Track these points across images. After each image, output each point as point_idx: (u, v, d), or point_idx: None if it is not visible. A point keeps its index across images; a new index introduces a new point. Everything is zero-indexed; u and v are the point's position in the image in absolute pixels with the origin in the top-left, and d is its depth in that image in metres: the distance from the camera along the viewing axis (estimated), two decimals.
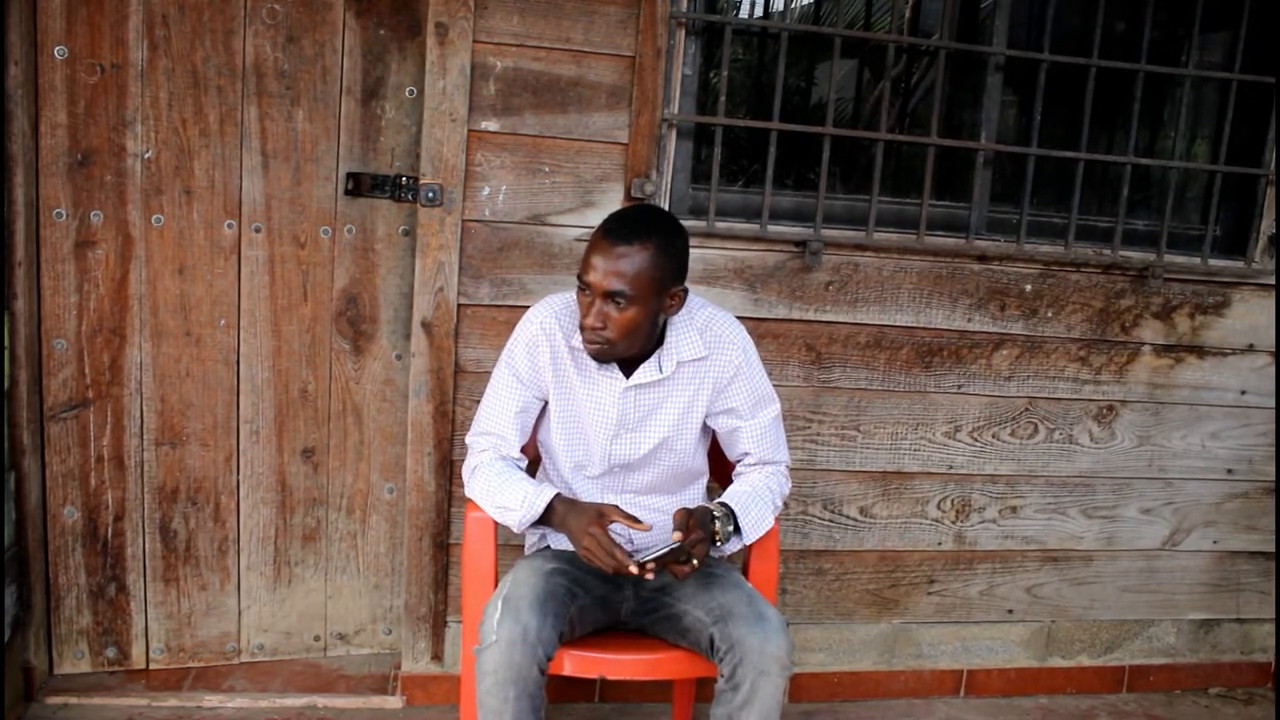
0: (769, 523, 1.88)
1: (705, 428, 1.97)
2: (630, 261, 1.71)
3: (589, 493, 1.95)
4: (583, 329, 1.78)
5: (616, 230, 1.74)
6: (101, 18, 2.18)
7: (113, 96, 2.22)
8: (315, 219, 2.37)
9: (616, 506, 1.80)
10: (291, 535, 2.50)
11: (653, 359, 1.86)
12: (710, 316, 1.91)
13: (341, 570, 2.55)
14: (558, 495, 1.83)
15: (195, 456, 2.40)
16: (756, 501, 1.87)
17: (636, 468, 1.93)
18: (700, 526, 1.76)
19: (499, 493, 1.84)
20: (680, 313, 1.86)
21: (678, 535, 1.71)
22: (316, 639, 2.58)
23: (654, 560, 1.70)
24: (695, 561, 1.73)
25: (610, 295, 1.72)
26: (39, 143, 2.18)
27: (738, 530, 1.84)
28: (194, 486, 2.42)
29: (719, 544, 1.82)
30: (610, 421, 1.88)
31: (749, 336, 1.94)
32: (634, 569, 1.67)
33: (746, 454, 1.95)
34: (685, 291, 1.81)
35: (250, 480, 2.45)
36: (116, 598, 2.41)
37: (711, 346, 1.88)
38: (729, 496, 1.87)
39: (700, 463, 2.02)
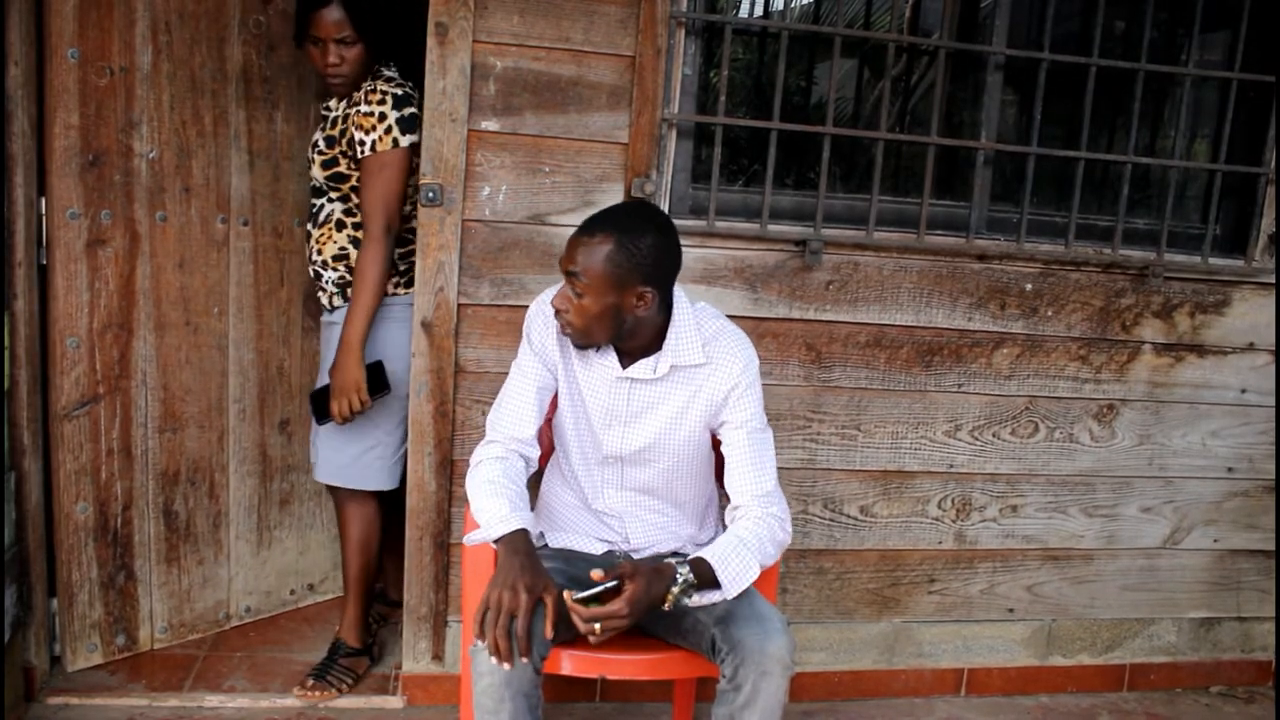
0: (754, 574, 1.75)
1: (711, 445, 1.95)
2: (586, 252, 1.74)
3: (592, 482, 1.96)
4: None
5: (588, 220, 1.79)
6: (111, 22, 2.22)
7: (121, 99, 2.27)
8: (291, 211, 2.59)
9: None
10: (271, 502, 2.69)
11: (651, 358, 1.87)
12: (720, 329, 1.89)
13: (310, 527, 2.79)
14: (521, 532, 1.73)
15: (194, 439, 2.51)
16: (740, 552, 1.74)
17: (632, 463, 1.93)
18: (646, 582, 1.63)
19: (480, 498, 1.81)
20: (688, 319, 1.85)
21: (597, 573, 1.62)
22: (292, 593, 2.79)
23: (588, 598, 1.61)
24: (597, 627, 1.59)
25: (571, 280, 1.76)
26: (53, 144, 2.21)
27: (716, 585, 1.72)
28: (192, 467, 2.52)
29: (668, 608, 1.67)
30: (603, 409, 1.90)
31: (756, 359, 1.89)
32: (505, 666, 1.60)
33: (730, 478, 1.87)
34: (654, 295, 1.77)
35: (238, 455, 2.59)
36: (125, 586, 2.45)
37: (712, 356, 1.86)
38: (710, 550, 1.74)
39: (706, 483, 2.01)
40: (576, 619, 1.61)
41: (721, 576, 1.71)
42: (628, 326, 1.81)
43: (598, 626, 1.60)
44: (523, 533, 1.74)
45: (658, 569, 1.67)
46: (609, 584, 1.62)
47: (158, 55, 2.29)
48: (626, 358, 1.87)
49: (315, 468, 2.44)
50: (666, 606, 1.66)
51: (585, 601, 1.61)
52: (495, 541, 1.74)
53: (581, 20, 2.19)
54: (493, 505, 1.78)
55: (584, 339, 1.83)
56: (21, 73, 2.11)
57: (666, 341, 1.86)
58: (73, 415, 2.31)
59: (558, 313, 1.81)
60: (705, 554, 1.73)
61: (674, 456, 1.93)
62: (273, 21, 2.43)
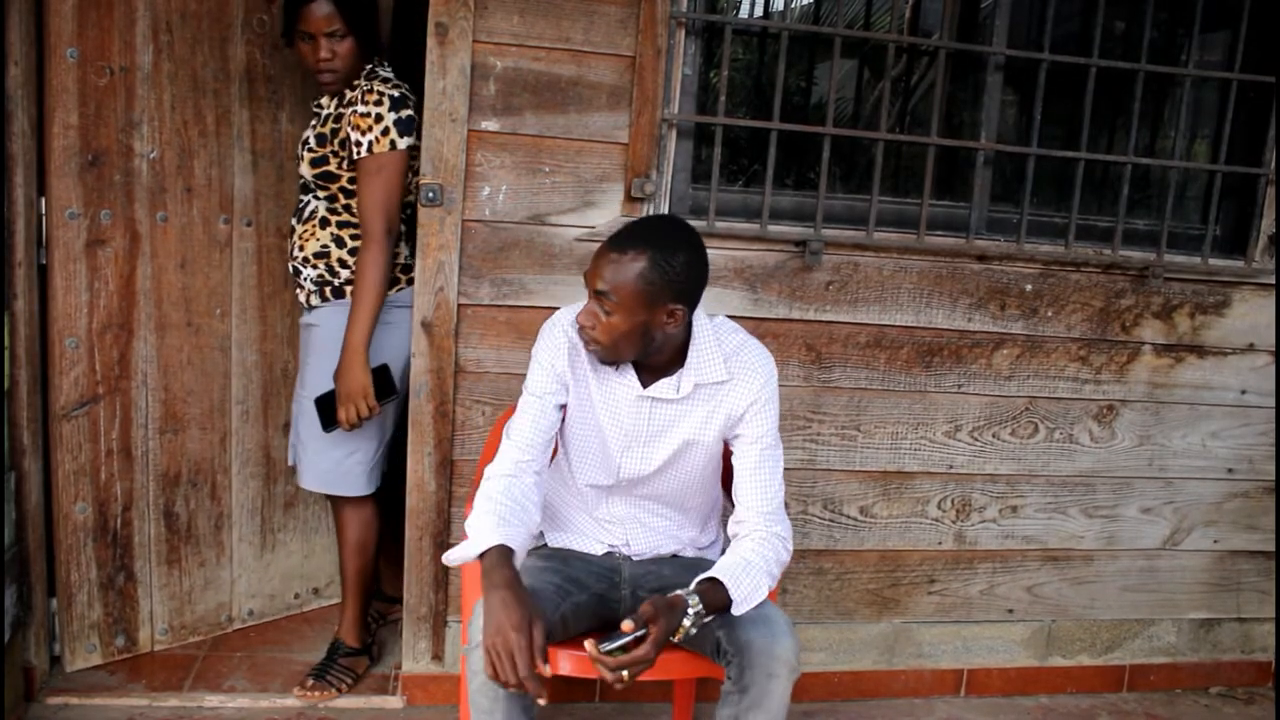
0: (763, 593, 1.76)
1: (723, 454, 1.94)
2: (617, 269, 1.70)
3: (597, 498, 1.95)
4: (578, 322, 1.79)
5: (617, 236, 1.75)
6: (110, 22, 2.22)
7: (121, 98, 2.27)
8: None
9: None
10: (275, 504, 2.69)
11: (673, 377, 1.84)
12: (741, 344, 1.86)
13: (314, 530, 2.77)
14: (496, 550, 1.67)
15: (195, 440, 2.50)
16: (749, 572, 1.74)
17: (644, 479, 1.92)
18: (666, 622, 1.62)
19: (474, 514, 1.78)
20: (708, 335, 1.83)
21: (628, 625, 1.59)
22: (296, 597, 2.78)
23: (615, 649, 1.60)
24: (625, 675, 1.58)
25: (599, 297, 1.73)
26: (52, 144, 2.20)
27: (720, 610, 1.72)
28: (194, 469, 2.51)
29: (678, 639, 1.68)
30: (622, 431, 1.86)
31: (775, 373, 1.88)
32: (538, 698, 1.59)
33: (738, 490, 1.88)
34: (685, 311, 1.75)
35: (241, 457, 2.59)
36: (125, 586, 2.45)
37: (734, 372, 1.83)
38: (721, 571, 1.73)
39: (714, 491, 2.00)
40: (603, 670, 1.60)
41: (734, 594, 1.71)
42: (656, 344, 1.78)
43: (625, 674, 1.59)
44: (498, 550, 1.68)
45: (671, 603, 1.65)
46: (638, 634, 1.61)
47: (159, 55, 2.29)
48: (647, 375, 1.84)
49: (299, 474, 2.42)
50: (677, 638, 1.66)
51: (612, 652, 1.60)
52: (478, 557, 1.71)
53: (581, 20, 2.19)
54: (478, 522, 1.74)
55: (610, 356, 1.79)
56: (21, 72, 2.11)
57: (689, 359, 1.83)
58: (72, 415, 2.31)
59: (582, 329, 1.76)
60: (718, 574, 1.72)
61: (688, 470, 1.91)
62: (277, 21, 2.42)
